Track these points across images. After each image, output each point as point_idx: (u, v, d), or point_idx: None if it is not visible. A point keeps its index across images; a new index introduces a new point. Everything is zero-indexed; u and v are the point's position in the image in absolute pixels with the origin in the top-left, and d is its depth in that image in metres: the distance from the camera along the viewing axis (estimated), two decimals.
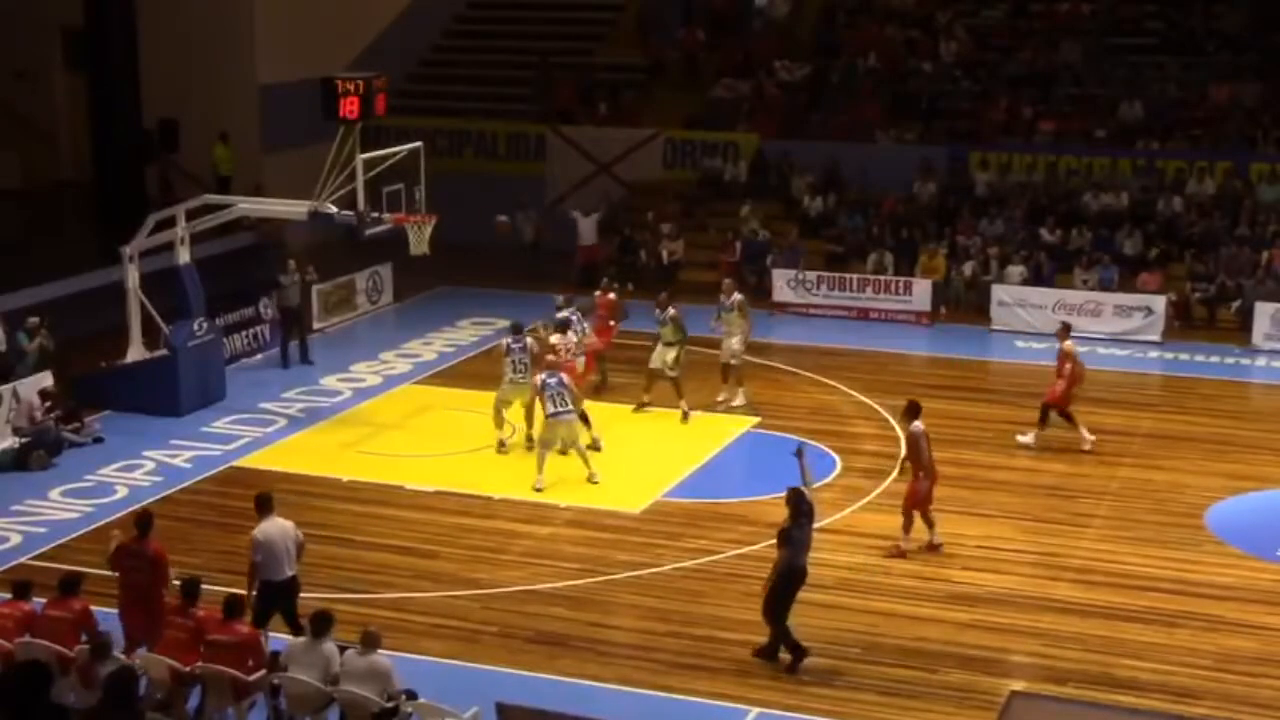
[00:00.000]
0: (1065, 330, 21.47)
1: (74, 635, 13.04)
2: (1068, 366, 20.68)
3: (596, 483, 19.24)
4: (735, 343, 22.38)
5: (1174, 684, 14.46)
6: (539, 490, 19.06)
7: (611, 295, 23.87)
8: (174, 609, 13.28)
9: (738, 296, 22.79)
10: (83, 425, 20.96)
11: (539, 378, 19.51)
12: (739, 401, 22.42)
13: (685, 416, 21.83)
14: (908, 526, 17.35)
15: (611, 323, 23.48)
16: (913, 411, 17.49)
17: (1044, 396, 20.96)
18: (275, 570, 14.10)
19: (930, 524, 17.45)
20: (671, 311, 22.23)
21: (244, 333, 25.08)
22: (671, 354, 22.02)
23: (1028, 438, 20.87)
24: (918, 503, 17.34)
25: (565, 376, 19.49)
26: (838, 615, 15.83)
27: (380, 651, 12.67)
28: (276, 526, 14.24)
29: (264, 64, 31.94)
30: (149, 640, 13.49)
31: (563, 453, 19.65)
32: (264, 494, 14.74)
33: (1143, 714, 13.66)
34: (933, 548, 17.40)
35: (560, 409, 19.11)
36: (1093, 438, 20.70)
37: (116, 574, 14.00)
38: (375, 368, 24.59)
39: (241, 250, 29.14)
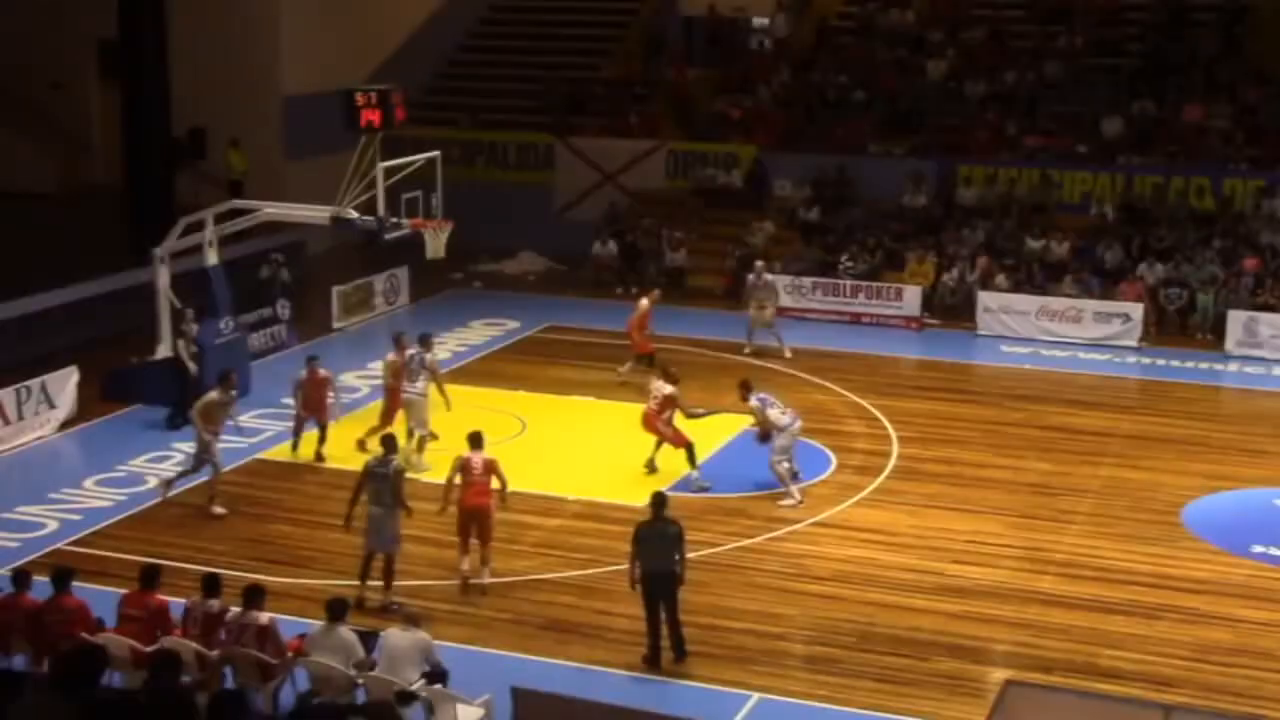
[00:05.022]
0: None
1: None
2: None
3: (425, 469, 19.60)
4: None
5: (1154, 673, 14.80)
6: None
7: (644, 301, 24.42)
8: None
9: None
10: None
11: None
12: None
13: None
14: None
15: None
16: None
17: None
18: None
19: None
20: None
21: (262, 332, 25.64)
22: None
23: None
24: None
25: (429, 357, 20.40)
26: (834, 606, 16.27)
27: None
28: None
29: (288, 76, 32.40)
30: None
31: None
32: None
33: (1131, 702, 13.68)
34: None
35: (410, 387, 20.02)
36: None
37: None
38: None
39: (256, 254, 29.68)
